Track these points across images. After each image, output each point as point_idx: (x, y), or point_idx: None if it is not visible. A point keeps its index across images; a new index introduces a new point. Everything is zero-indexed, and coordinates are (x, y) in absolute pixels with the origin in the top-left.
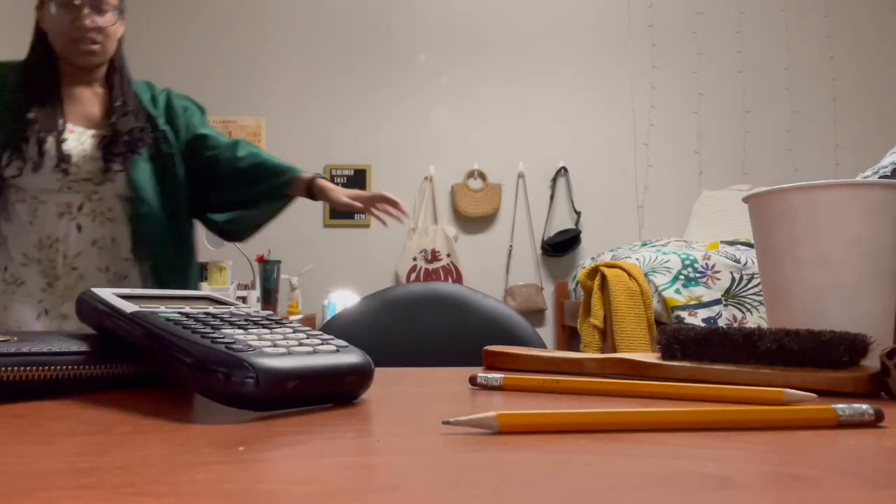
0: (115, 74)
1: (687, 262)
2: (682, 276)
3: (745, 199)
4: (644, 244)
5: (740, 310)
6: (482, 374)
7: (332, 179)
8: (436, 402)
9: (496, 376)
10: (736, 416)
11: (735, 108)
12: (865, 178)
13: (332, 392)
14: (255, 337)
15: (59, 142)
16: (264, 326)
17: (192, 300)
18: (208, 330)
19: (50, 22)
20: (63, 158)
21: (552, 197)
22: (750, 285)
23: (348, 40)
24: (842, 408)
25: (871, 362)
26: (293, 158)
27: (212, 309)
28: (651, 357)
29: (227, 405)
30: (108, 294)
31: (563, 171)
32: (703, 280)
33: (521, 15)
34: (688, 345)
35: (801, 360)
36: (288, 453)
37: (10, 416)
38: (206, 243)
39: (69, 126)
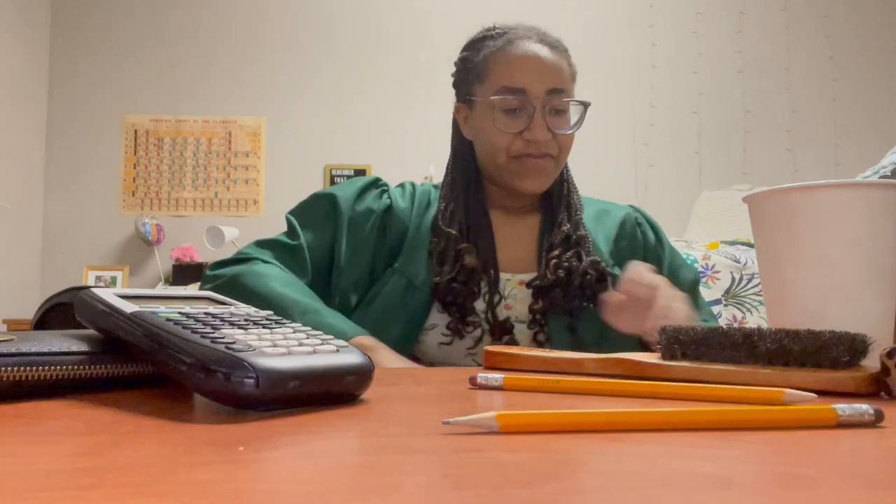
0: None
1: (687, 263)
2: None
3: (745, 199)
4: None
5: (740, 310)
6: (482, 374)
7: (332, 180)
8: (436, 402)
9: (496, 376)
10: (736, 416)
11: (735, 108)
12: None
13: (332, 392)
14: (255, 337)
15: None
16: (264, 326)
17: (192, 300)
18: (208, 330)
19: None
20: None
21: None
22: (750, 285)
23: (348, 40)
24: (842, 408)
25: (871, 362)
26: (293, 158)
27: (212, 309)
28: (651, 357)
29: (227, 405)
30: (108, 294)
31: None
32: (704, 280)
33: (522, 15)
34: (688, 345)
35: (801, 360)
36: (288, 453)
37: (10, 416)
38: (206, 243)
39: None
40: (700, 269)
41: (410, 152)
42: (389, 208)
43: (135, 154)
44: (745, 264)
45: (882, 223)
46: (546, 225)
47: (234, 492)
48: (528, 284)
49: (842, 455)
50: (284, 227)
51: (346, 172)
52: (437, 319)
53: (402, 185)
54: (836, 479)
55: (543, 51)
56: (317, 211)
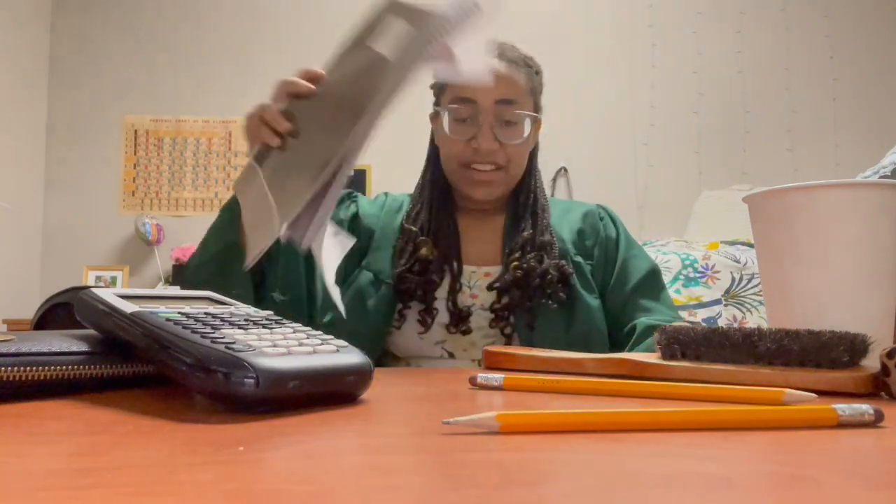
0: None
1: (687, 262)
2: (682, 276)
3: (745, 199)
4: (644, 244)
5: (740, 310)
6: (482, 374)
7: None
8: (436, 402)
9: (496, 376)
10: (736, 416)
11: (735, 108)
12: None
13: (332, 392)
14: (255, 337)
15: None
16: (264, 326)
17: (192, 300)
18: (208, 330)
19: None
20: None
21: (552, 197)
22: (750, 285)
23: None
24: (842, 408)
25: (871, 362)
26: None
27: (211, 309)
28: (651, 357)
29: (227, 405)
30: (108, 294)
31: (562, 171)
32: (703, 280)
33: (522, 15)
34: (688, 345)
35: (801, 360)
36: (288, 453)
37: (10, 416)
38: None
39: None
40: (700, 268)
41: (410, 152)
42: (356, 215)
43: (135, 154)
44: (745, 264)
45: (882, 223)
46: (510, 225)
47: (234, 492)
48: (490, 286)
49: (842, 455)
50: None
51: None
52: (406, 313)
53: (376, 196)
54: (836, 479)
55: (497, 64)
56: None
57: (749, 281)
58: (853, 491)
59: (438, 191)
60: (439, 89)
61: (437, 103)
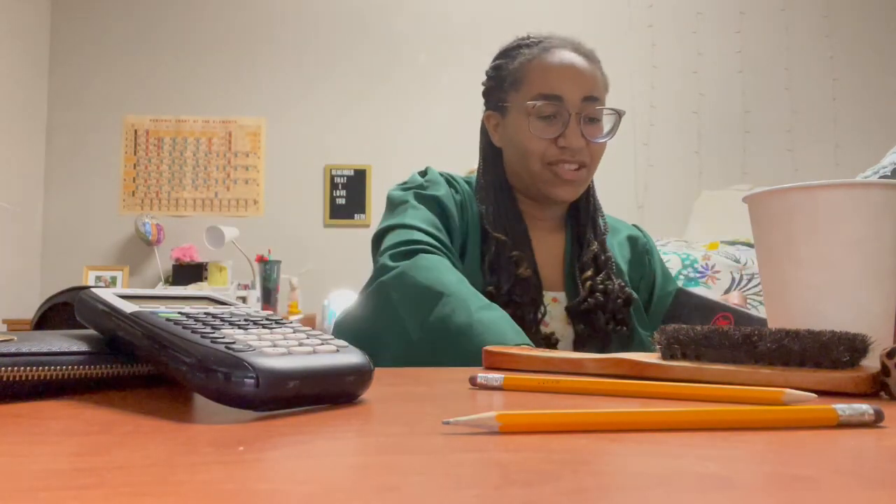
0: None
1: (687, 262)
2: (682, 276)
3: (745, 199)
4: None
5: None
6: (482, 374)
7: (332, 180)
8: (436, 402)
9: (496, 376)
10: (736, 416)
11: (735, 108)
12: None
13: (332, 392)
14: (255, 337)
15: None
16: (264, 326)
17: (192, 300)
18: (208, 330)
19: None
20: None
21: None
22: (750, 285)
23: (348, 40)
24: (842, 408)
25: (871, 362)
26: (293, 158)
27: (212, 309)
28: (651, 357)
29: (227, 405)
30: (108, 294)
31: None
32: (703, 280)
33: (522, 15)
34: (688, 345)
35: (801, 360)
36: (288, 453)
37: (10, 416)
38: (206, 243)
39: None
40: (700, 268)
41: (410, 152)
42: (446, 214)
43: (135, 154)
44: (745, 264)
45: (882, 223)
46: (572, 243)
47: (234, 492)
48: (569, 309)
49: (842, 455)
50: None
51: (346, 172)
52: None
53: (437, 183)
54: (836, 479)
55: (579, 60)
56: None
57: (749, 281)
58: (853, 491)
59: (506, 197)
60: (509, 87)
61: (501, 102)
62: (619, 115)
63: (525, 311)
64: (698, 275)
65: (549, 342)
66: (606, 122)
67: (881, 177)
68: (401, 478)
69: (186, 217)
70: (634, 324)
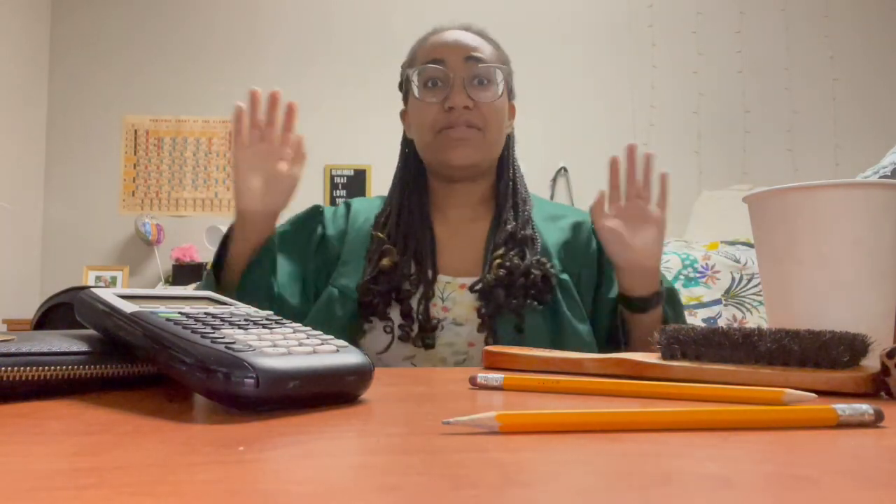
0: None
1: (687, 262)
2: (682, 276)
3: (745, 199)
4: None
5: (740, 310)
6: (482, 374)
7: (332, 180)
8: (436, 402)
9: (496, 376)
10: (736, 416)
11: (735, 108)
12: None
13: (332, 392)
14: (255, 337)
15: None
16: (264, 326)
17: (192, 300)
18: (208, 330)
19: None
20: None
21: (552, 197)
22: (750, 285)
23: (348, 40)
24: (842, 408)
25: (871, 362)
26: None
27: (212, 309)
28: (651, 357)
29: (227, 405)
30: (108, 294)
31: (563, 171)
32: (703, 280)
33: (521, 15)
34: (688, 345)
35: (801, 360)
36: (288, 453)
37: (10, 416)
38: (206, 243)
39: None
40: (700, 268)
41: None
42: (323, 237)
43: (135, 154)
44: (745, 264)
45: (882, 223)
46: (494, 229)
47: (234, 492)
48: (471, 288)
49: (842, 455)
50: (286, 227)
51: (346, 172)
52: (371, 327)
53: (336, 209)
54: (836, 479)
55: (463, 32)
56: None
57: (749, 281)
58: (853, 491)
59: (413, 191)
60: (408, 68)
61: (405, 90)
62: (503, 72)
63: (384, 297)
64: (698, 275)
65: (426, 327)
66: (500, 84)
67: (881, 177)
68: (401, 478)
69: (186, 217)
70: (562, 307)
